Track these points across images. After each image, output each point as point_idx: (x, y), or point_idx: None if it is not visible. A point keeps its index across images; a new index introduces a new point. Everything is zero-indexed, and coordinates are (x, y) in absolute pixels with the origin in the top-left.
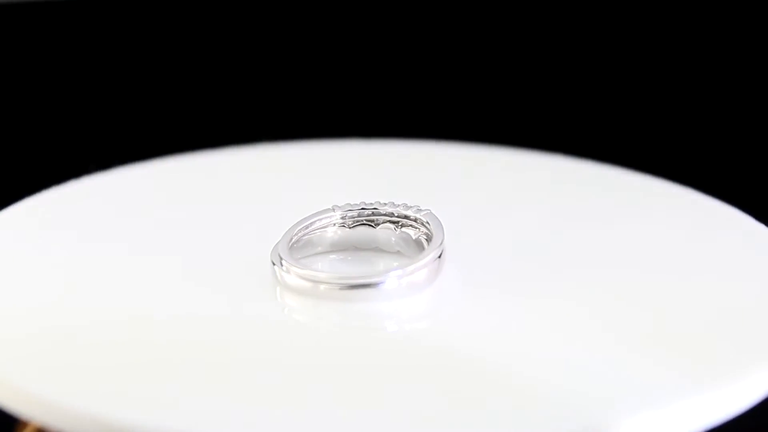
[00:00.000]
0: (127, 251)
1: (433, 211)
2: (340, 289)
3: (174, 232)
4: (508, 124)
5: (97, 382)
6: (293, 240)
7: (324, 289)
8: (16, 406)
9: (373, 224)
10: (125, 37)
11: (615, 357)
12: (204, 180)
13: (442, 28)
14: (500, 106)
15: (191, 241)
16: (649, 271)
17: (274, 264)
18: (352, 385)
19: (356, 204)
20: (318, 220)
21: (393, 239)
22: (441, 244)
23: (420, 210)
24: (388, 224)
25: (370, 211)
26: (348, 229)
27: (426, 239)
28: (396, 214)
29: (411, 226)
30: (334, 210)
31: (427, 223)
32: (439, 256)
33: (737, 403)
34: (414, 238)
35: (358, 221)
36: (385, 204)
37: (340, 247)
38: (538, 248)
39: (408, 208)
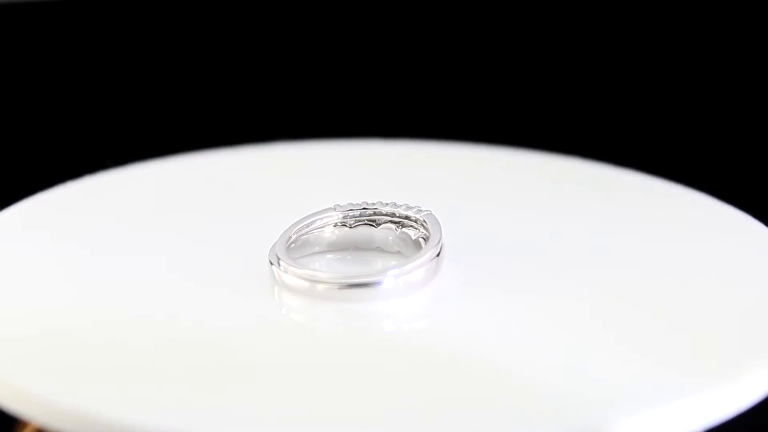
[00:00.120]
0: (126, 250)
1: (433, 212)
2: (338, 288)
3: (173, 231)
4: (508, 124)
5: (97, 382)
6: (291, 240)
7: (321, 288)
8: (16, 406)
9: (374, 224)
10: (125, 37)
11: (615, 357)
12: (204, 180)
13: (443, 28)
14: (500, 106)
15: (191, 241)
16: (649, 270)
17: (271, 264)
18: (351, 384)
19: (358, 204)
20: (316, 220)
21: (390, 238)
22: (438, 243)
23: (420, 211)
24: (389, 224)
25: (371, 211)
26: (348, 229)
27: (425, 240)
28: (397, 215)
29: (411, 226)
30: (335, 209)
31: (425, 222)
32: (438, 255)
33: (737, 402)
34: (413, 238)
35: (360, 221)
36: (387, 204)
37: (337, 247)
38: (538, 248)
39: (410, 208)
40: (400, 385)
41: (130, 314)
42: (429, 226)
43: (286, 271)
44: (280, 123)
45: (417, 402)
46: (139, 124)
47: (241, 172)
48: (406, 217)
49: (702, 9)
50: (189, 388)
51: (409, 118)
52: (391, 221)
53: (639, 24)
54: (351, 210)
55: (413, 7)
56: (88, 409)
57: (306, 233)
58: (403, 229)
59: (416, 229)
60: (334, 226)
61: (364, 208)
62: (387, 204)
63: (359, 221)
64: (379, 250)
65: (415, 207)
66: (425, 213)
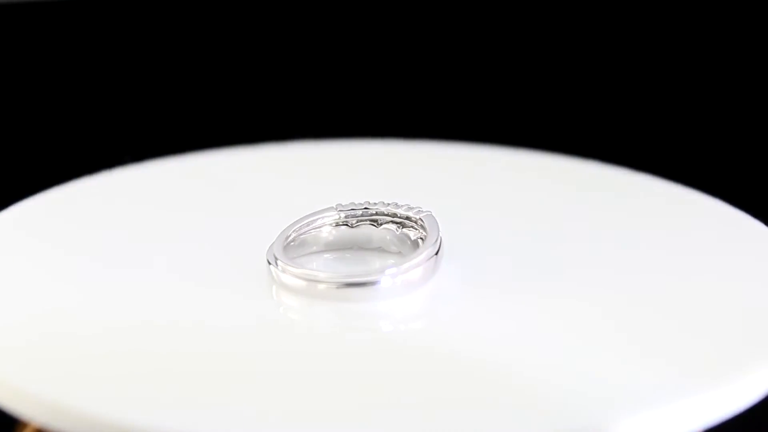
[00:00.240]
0: (125, 250)
1: (432, 212)
2: (336, 287)
3: (173, 231)
4: (508, 124)
5: (97, 383)
6: (289, 239)
7: (319, 288)
8: (16, 407)
9: (376, 224)
10: (125, 37)
11: (614, 356)
12: (204, 180)
13: (443, 28)
14: (500, 106)
15: (191, 240)
16: (649, 270)
17: (269, 263)
18: (348, 383)
19: (360, 203)
20: (314, 220)
21: (389, 237)
22: (435, 242)
23: (421, 211)
24: (390, 224)
25: (373, 211)
26: (348, 229)
27: (424, 240)
28: (399, 215)
29: (412, 227)
30: (336, 209)
31: (421, 220)
32: (436, 254)
33: (737, 402)
34: (413, 239)
35: (361, 221)
36: (389, 204)
37: (336, 247)
38: (538, 248)
39: (410, 209)
40: (399, 384)
41: (129, 314)
42: (427, 226)
43: (283, 271)
44: (281, 123)
45: (416, 402)
46: (139, 124)
47: (241, 172)
48: (407, 218)
49: (702, 9)
50: (188, 388)
51: (410, 118)
52: (392, 221)
53: (639, 24)
54: (353, 209)
55: (413, 8)
56: (88, 409)
57: (304, 233)
58: (404, 230)
59: (416, 229)
60: (333, 225)
61: (366, 208)
62: (389, 204)
63: (361, 221)
64: (380, 250)
65: (416, 208)
66: (425, 214)
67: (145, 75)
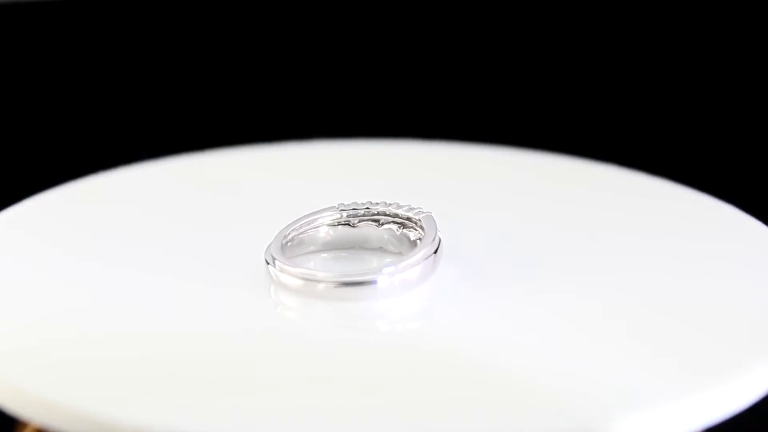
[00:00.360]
0: (123, 250)
1: (432, 212)
2: (334, 287)
3: (172, 231)
4: (508, 124)
5: (97, 383)
6: (287, 239)
7: (317, 287)
8: (16, 406)
9: (377, 223)
10: (125, 38)
11: (614, 356)
12: (203, 180)
13: (442, 28)
14: (500, 106)
15: (190, 241)
16: (649, 270)
17: (267, 263)
18: (347, 383)
19: (362, 203)
20: (312, 219)
21: (387, 237)
22: (433, 241)
23: (421, 212)
24: (391, 225)
25: (375, 211)
26: (348, 228)
27: (421, 240)
28: (400, 215)
29: (412, 227)
30: (338, 208)
31: (419, 221)
32: (435, 253)
33: (737, 401)
34: (412, 239)
35: (363, 220)
36: (390, 204)
37: (335, 246)
38: (537, 248)
39: (411, 209)
40: (397, 384)
41: (128, 314)
42: (425, 225)
43: (281, 270)
44: (281, 123)
45: (414, 401)
46: (139, 125)
47: (241, 172)
48: (408, 218)
49: (702, 9)
50: (187, 388)
51: (410, 118)
52: (393, 221)
53: (639, 24)
54: (355, 209)
55: (414, 8)
56: (88, 409)
57: (303, 232)
58: (404, 230)
59: (416, 230)
60: (333, 225)
61: (367, 208)
62: (390, 204)
63: (363, 220)
64: (380, 250)
65: (416, 208)
66: (424, 214)
67: (145, 75)
